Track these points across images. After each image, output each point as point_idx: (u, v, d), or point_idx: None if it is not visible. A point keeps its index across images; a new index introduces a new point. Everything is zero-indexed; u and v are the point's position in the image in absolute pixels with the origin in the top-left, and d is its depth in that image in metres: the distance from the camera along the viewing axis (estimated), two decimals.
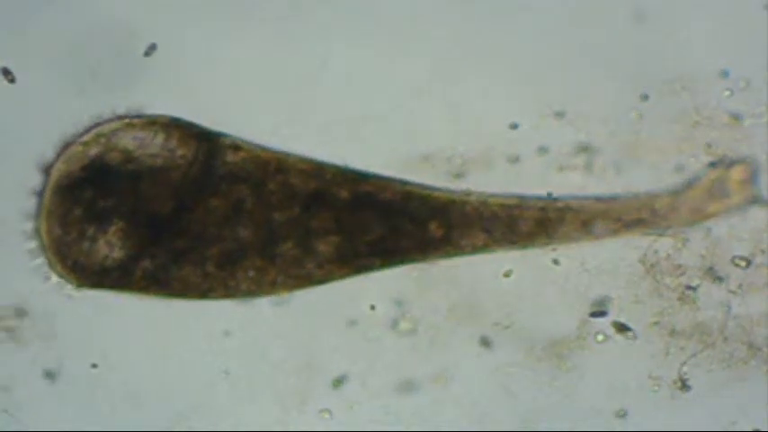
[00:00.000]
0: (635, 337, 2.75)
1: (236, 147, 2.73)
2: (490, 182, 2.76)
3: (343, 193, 2.73)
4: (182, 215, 2.70)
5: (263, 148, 2.75)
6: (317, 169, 2.74)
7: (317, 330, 2.76)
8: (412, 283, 2.76)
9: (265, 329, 2.77)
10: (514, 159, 2.76)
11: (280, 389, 2.78)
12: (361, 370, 2.77)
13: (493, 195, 2.75)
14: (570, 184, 2.76)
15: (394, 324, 2.77)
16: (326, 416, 2.77)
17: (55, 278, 2.72)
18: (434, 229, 2.73)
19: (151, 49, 2.76)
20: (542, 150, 2.76)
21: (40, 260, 2.72)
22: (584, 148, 2.76)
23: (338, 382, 2.77)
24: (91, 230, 2.69)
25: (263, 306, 2.75)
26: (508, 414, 2.77)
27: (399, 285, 2.76)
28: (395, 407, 2.78)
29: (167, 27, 2.77)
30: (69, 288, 2.72)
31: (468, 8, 2.77)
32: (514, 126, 2.75)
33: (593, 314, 2.75)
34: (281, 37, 2.78)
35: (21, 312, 2.75)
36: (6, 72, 2.74)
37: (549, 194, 2.73)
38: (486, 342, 2.76)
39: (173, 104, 2.74)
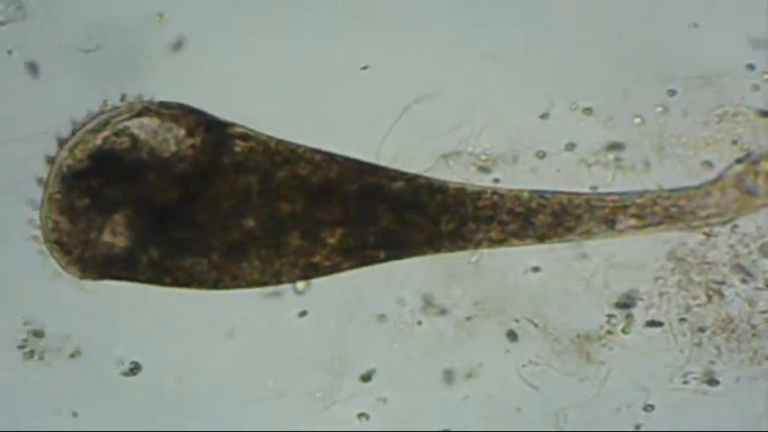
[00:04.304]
0: (662, 333, 2.75)
1: (245, 136, 2.73)
2: (517, 178, 2.77)
3: (352, 185, 2.71)
4: (188, 204, 2.69)
5: (272, 139, 2.74)
6: (327, 160, 2.73)
7: (343, 325, 2.77)
8: (438, 277, 2.77)
9: (290, 323, 2.78)
10: (542, 155, 2.77)
11: (306, 384, 2.78)
12: (389, 365, 2.77)
13: (512, 190, 2.75)
14: (598, 180, 2.76)
15: (420, 318, 2.77)
16: (357, 411, 2.78)
17: (59, 269, 2.71)
18: (446, 222, 2.73)
19: (178, 45, 2.76)
20: (570, 146, 2.76)
21: (44, 251, 2.71)
22: (612, 145, 2.76)
23: (366, 377, 2.78)
24: (95, 220, 2.68)
25: (287, 299, 2.76)
26: (535, 409, 2.77)
27: (426, 279, 2.76)
28: (422, 402, 2.78)
29: (183, 19, 2.78)
30: (73, 279, 2.71)
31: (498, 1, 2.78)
32: (545, 116, 2.76)
33: (621, 309, 2.75)
34: (294, 30, 2.78)
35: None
36: (33, 67, 2.76)
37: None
38: (513, 336, 2.77)
39: (183, 93, 2.73)
